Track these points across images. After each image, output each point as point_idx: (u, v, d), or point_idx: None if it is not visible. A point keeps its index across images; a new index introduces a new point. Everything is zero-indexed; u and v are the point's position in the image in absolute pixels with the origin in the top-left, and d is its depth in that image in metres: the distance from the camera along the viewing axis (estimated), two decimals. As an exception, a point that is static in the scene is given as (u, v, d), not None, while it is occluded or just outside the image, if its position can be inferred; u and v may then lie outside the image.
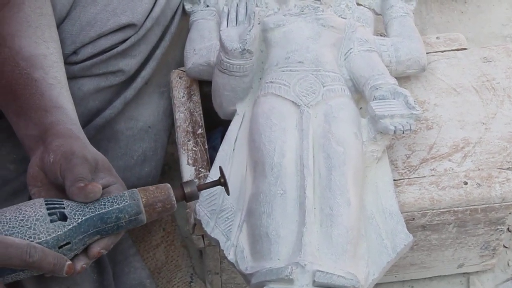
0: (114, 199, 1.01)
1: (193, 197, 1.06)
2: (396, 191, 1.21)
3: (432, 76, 1.38)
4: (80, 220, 0.98)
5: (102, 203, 1.00)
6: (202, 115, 1.34)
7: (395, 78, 1.26)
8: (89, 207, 1.00)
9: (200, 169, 1.26)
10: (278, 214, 1.11)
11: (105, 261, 1.36)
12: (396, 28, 1.37)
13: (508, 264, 1.47)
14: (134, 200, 1.01)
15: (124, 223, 1.01)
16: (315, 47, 1.26)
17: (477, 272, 1.44)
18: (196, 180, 1.12)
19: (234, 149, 1.23)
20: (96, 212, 0.99)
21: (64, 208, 0.99)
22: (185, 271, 1.46)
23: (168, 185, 1.04)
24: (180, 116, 1.34)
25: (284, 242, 1.10)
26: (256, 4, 1.36)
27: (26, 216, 0.97)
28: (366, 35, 1.32)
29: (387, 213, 1.18)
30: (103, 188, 1.03)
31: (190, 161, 1.28)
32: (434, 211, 1.24)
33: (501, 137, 1.30)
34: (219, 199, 1.18)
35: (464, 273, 1.44)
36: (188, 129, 1.32)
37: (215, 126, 1.42)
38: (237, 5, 1.26)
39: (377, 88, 1.22)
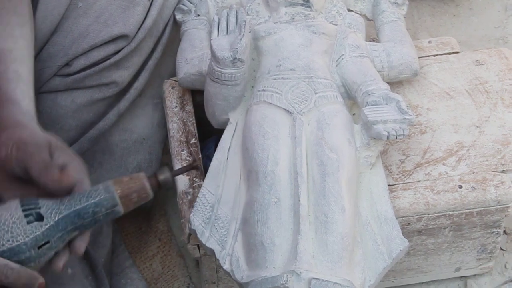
0: (89, 193, 1.00)
1: (167, 184, 1.04)
2: (390, 197, 1.21)
3: (425, 81, 1.38)
4: (56, 218, 0.98)
5: (78, 199, 0.99)
6: (195, 125, 1.34)
7: (388, 83, 1.25)
8: (64, 205, 0.99)
9: (194, 179, 1.26)
10: (272, 223, 1.11)
11: (102, 274, 1.35)
12: (387, 33, 1.37)
13: (505, 267, 1.47)
14: (109, 193, 0.99)
15: (101, 217, 1.00)
16: (307, 54, 1.26)
17: (475, 275, 1.44)
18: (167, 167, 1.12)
19: (227, 158, 1.23)
20: (72, 209, 0.98)
21: (39, 208, 0.98)
22: (181, 281, 1.46)
23: (142, 174, 1.03)
24: (173, 126, 1.34)
25: (279, 250, 1.10)
26: (247, 13, 1.36)
27: (3, 220, 0.96)
28: (358, 41, 1.31)
29: (382, 219, 1.17)
30: (62, 168, 1.01)
31: (184, 171, 1.28)
32: (430, 215, 1.24)
33: (495, 140, 1.30)
34: (214, 209, 1.18)
35: (461, 276, 1.43)
36: (182, 139, 1.32)
37: (208, 136, 1.42)
38: (228, 14, 1.25)
39: (369, 94, 1.22)
